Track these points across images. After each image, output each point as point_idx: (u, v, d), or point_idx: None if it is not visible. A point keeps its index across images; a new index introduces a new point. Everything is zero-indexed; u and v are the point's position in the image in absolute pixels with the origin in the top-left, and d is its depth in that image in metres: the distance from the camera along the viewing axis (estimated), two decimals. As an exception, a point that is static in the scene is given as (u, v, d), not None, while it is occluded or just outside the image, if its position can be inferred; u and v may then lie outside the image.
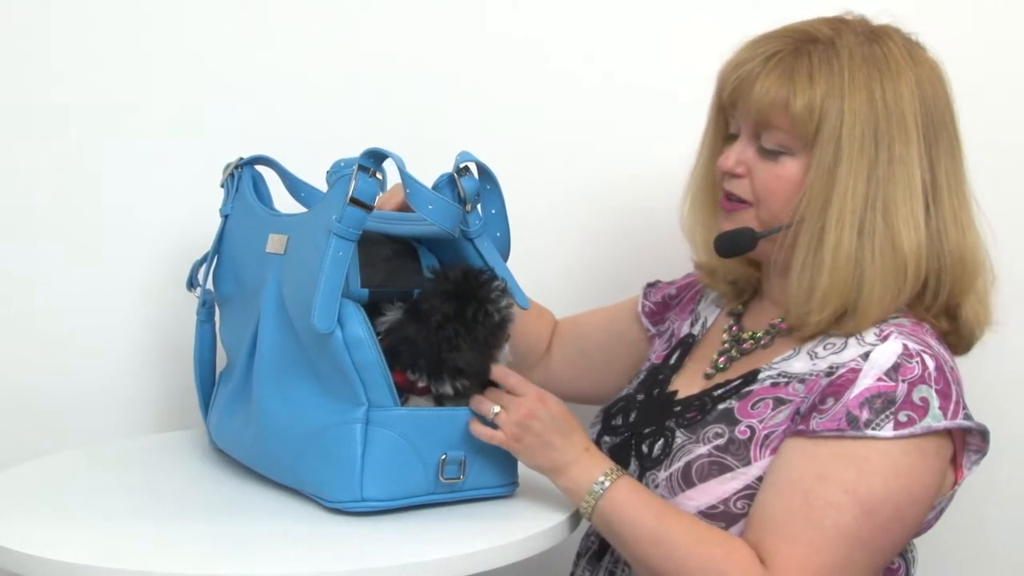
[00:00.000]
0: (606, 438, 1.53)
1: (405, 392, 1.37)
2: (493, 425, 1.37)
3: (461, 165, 1.40)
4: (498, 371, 1.38)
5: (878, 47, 1.37)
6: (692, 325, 1.58)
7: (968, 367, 1.43)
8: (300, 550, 1.25)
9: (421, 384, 1.37)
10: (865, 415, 1.29)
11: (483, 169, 1.42)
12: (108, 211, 1.79)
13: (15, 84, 1.75)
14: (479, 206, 1.42)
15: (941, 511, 1.41)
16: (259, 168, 1.59)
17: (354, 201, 1.31)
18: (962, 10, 1.86)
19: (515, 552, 1.29)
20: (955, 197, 1.38)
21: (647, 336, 1.64)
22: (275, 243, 1.43)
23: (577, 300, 1.81)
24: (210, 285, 1.59)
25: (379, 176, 1.34)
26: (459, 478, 1.37)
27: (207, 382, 1.61)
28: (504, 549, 1.28)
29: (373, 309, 1.36)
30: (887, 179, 1.34)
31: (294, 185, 1.58)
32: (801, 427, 1.32)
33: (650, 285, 1.67)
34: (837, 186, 1.34)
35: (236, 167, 1.56)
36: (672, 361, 1.55)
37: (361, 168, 1.32)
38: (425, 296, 1.36)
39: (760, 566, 1.28)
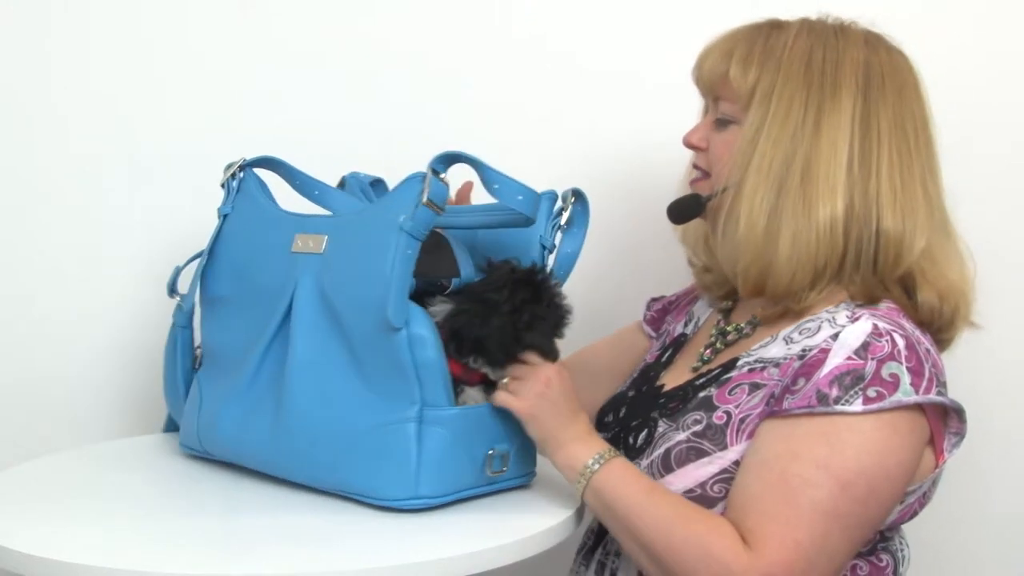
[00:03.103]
0: (599, 435, 1.53)
1: (460, 383, 1.40)
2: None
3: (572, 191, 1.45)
4: None
5: (834, 33, 1.42)
6: (686, 325, 1.62)
7: (966, 370, 1.45)
8: (300, 550, 1.25)
9: (482, 371, 1.40)
10: (834, 392, 1.31)
11: (581, 208, 1.46)
12: (108, 211, 1.79)
13: (8, 83, 1.75)
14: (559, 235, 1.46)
15: (924, 495, 1.42)
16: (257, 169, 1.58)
17: (428, 203, 1.34)
18: (963, 16, 1.87)
19: (515, 552, 1.29)
20: (897, 177, 1.39)
21: (650, 343, 1.67)
22: (306, 243, 1.43)
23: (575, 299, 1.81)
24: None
25: (446, 179, 1.37)
26: (503, 470, 1.40)
27: (186, 389, 1.58)
28: (504, 549, 1.28)
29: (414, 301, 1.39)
30: (811, 142, 1.38)
31: (306, 184, 1.57)
32: (775, 408, 1.35)
33: (653, 299, 1.72)
34: (760, 143, 1.39)
35: (239, 167, 1.56)
36: (664, 359, 1.58)
37: (433, 171, 1.36)
38: (491, 286, 1.39)
39: (741, 543, 1.29)
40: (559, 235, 1.45)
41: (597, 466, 1.36)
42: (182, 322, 1.57)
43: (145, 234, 1.80)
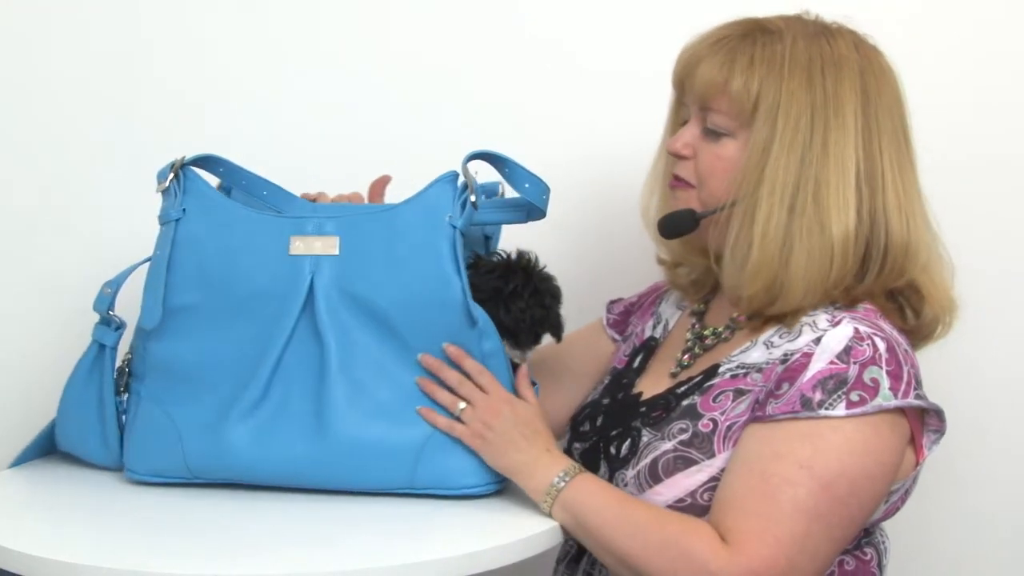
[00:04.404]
0: (576, 445, 1.54)
1: None
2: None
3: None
4: (472, 366, 1.41)
5: (824, 39, 1.42)
6: (654, 328, 1.61)
7: (963, 368, 1.46)
8: (300, 550, 1.25)
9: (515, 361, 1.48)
10: (818, 396, 1.32)
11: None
12: (110, 211, 1.79)
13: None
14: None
15: (906, 493, 1.44)
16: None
17: (473, 201, 1.40)
18: (958, 18, 1.88)
19: (515, 552, 1.29)
20: (900, 188, 1.41)
21: (615, 347, 1.67)
22: (310, 245, 1.42)
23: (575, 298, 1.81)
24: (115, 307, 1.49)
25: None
26: None
27: (116, 417, 1.46)
28: (504, 549, 1.28)
29: None
30: (820, 162, 1.38)
31: (253, 183, 1.52)
32: (758, 414, 1.36)
33: (613, 301, 1.71)
34: (770, 164, 1.38)
35: (180, 167, 1.47)
36: (635, 364, 1.58)
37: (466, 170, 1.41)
38: (496, 275, 1.44)
39: (720, 542, 1.30)
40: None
41: (563, 483, 1.36)
42: (113, 342, 1.47)
43: (48, 246, 1.80)
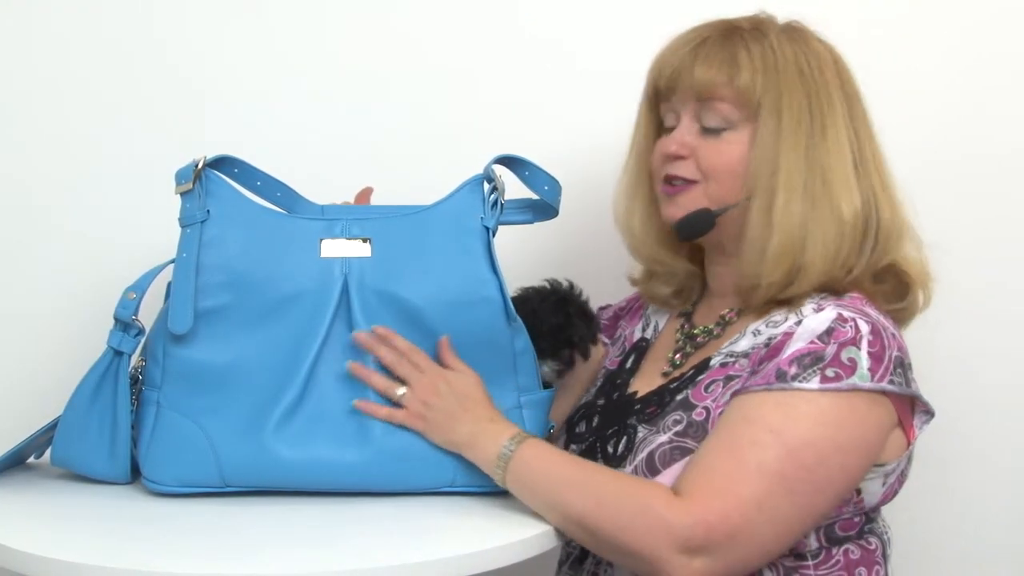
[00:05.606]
0: (572, 446, 1.55)
1: None
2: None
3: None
4: (403, 344, 1.41)
5: (796, 34, 1.47)
6: (644, 329, 1.63)
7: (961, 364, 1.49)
8: (300, 550, 1.25)
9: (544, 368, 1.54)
10: (793, 370, 1.35)
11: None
12: (110, 211, 1.79)
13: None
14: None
15: (903, 474, 1.46)
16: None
17: (501, 203, 1.45)
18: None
19: (515, 552, 1.29)
20: (882, 169, 1.47)
21: (605, 351, 1.68)
22: (342, 248, 1.43)
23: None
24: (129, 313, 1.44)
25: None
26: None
27: (128, 428, 1.41)
28: (504, 549, 1.28)
29: None
30: (822, 148, 1.43)
31: (268, 185, 1.52)
32: (736, 387, 1.39)
33: (602, 308, 1.72)
34: (782, 154, 1.42)
35: (203, 167, 1.45)
36: (628, 365, 1.59)
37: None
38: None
39: (674, 495, 1.31)
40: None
41: (509, 452, 1.36)
42: (131, 348, 1.42)
43: (48, 246, 1.79)
